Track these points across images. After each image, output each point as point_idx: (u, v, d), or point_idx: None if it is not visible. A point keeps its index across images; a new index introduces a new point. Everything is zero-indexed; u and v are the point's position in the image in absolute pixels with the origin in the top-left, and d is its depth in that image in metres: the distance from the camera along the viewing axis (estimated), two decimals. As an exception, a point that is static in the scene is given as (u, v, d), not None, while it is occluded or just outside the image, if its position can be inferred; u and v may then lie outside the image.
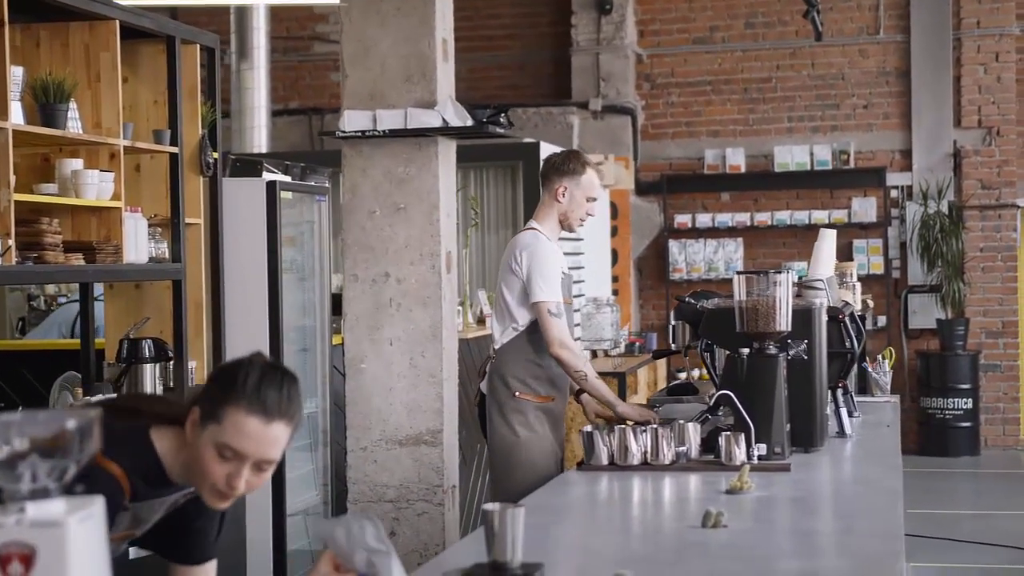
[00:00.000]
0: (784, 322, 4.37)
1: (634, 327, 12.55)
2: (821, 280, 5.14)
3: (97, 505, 1.79)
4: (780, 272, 4.40)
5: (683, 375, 12.31)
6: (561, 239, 9.01)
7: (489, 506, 2.73)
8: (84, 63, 5.14)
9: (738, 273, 4.45)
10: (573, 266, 10.05)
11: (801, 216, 12.58)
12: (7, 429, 1.74)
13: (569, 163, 5.29)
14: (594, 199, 5.32)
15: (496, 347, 5.29)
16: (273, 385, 2.59)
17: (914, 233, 12.29)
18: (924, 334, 12.57)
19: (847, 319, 5.04)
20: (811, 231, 12.45)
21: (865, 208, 12.54)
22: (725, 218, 12.76)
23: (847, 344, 5.00)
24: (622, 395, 8.93)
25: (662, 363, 11.16)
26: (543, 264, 5.12)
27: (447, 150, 6.02)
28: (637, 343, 11.07)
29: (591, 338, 9.86)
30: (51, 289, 8.54)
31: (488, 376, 5.30)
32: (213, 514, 2.85)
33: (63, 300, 8.65)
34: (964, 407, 12.13)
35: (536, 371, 5.20)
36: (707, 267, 12.74)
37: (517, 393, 5.18)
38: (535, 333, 5.16)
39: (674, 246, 12.84)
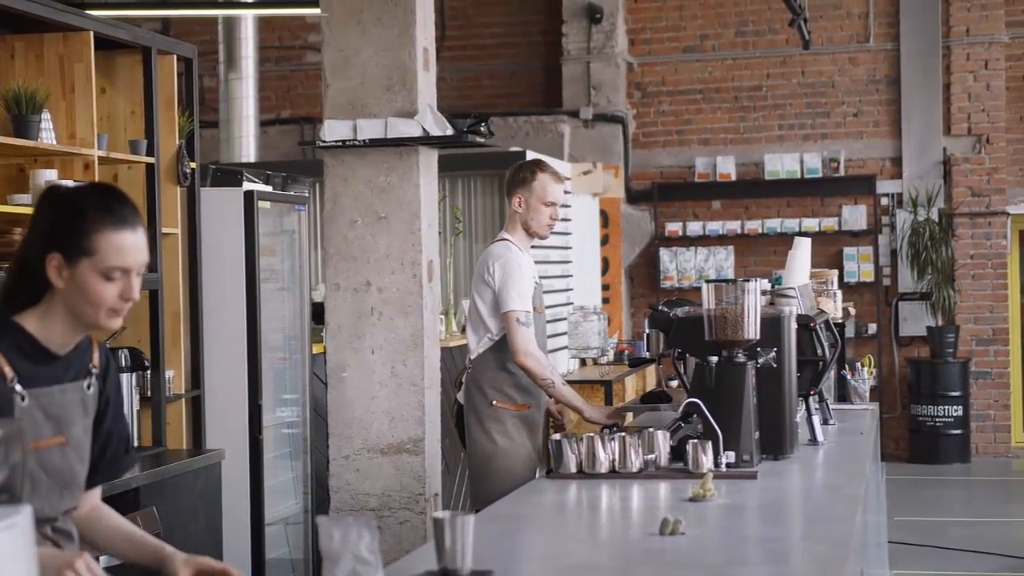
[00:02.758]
0: (752, 330, 4.38)
1: (625, 335, 12.56)
2: (793, 288, 5.15)
3: (23, 515, 1.81)
4: (749, 280, 4.41)
5: (675, 383, 12.31)
6: (546, 247, 9.08)
7: (439, 514, 2.75)
8: (59, 74, 5.17)
9: (707, 281, 4.46)
10: (562, 274, 10.10)
11: (792, 224, 12.59)
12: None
13: (519, 173, 5.42)
14: (552, 203, 5.38)
15: (472, 357, 5.36)
16: (116, 199, 2.71)
17: (904, 241, 12.31)
18: (915, 341, 12.58)
19: (820, 327, 5.05)
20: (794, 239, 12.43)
21: (855, 216, 12.55)
22: (716, 226, 12.78)
23: (819, 352, 5.01)
24: (608, 403, 8.94)
25: (651, 371, 11.17)
26: (514, 274, 5.20)
27: (428, 159, 6.04)
28: (627, 351, 11.08)
29: (577, 346, 9.89)
30: None
31: (465, 386, 5.37)
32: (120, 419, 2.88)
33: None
34: (955, 414, 12.13)
35: (512, 379, 5.27)
36: (698, 275, 12.75)
37: (494, 402, 5.27)
38: None
39: (665, 254, 12.85)
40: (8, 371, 2.62)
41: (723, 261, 12.77)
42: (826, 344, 5.04)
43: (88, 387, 2.79)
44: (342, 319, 5.70)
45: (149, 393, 5.61)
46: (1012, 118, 12.56)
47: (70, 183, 2.76)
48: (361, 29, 5.95)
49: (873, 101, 12.71)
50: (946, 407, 12.12)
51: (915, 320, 12.48)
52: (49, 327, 2.70)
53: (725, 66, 12.98)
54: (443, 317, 8.06)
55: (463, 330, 8.09)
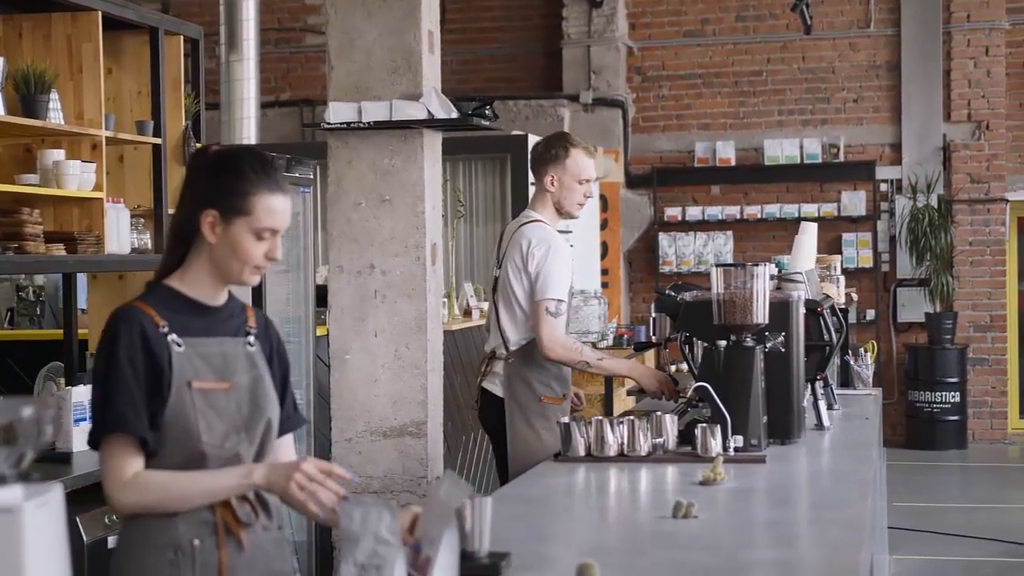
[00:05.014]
0: (761, 314, 4.38)
1: (624, 320, 12.57)
2: (800, 273, 5.15)
3: (55, 492, 1.81)
4: (758, 265, 4.41)
5: (673, 367, 12.33)
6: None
7: (457, 496, 2.75)
8: (67, 54, 5.15)
9: (716, 266, 4.46)
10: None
11: (791, 209, 12.60)
12: (-37, 416, 1.76)
13: (551, 149, 5.17)
14: (586, 180, 5.15)
15: (512, 347, 5.11)
16: (269, 164, 2.88)
17: (903, 227, 12.32)
18: (912, 327, 12.60)
19: (826, 312, 5.05)
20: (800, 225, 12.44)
21: (855, 202, 12.56)
22: (715, 211, 12.78)
23: (825, 337, 5.01)
24: (608, 387, 8.94)
25: (651, 355, 11.19)
26: (556, 262, 4.98)
27: (432, 142, 6.03)
28: (626, 336, 11.09)
29: (578, 331, 9.89)
30: (40, 279, 8.54)
31: (507, 379, 5.11)
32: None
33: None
34: (952, 401, 12.16)
35: (556, 371, 5.09)
36: (697, 260, 12.77)
37: (542, 398, 5.06)
38: None
39: (664, 239, 12.86)
40: (160, 321, 2.79)
41: (722, 246, 12.78)
42: (833, 329, 5.05)
43: (249, 345, 2.92)
44: (345, 302, 5.70)
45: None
46: (1012, 105, 12.57)
47: (218, 146, 2.95)
48: (366, 11, 5.95)
49: (873, 87, 12.71)
50: (943, 393, 12.15)
51: (913, 306, 12.50)
52: (194, 283, 2.85)
53: (725, 51, 12.97)
54: (445, 301, 8.06)
55: (465, 313, 8.09)
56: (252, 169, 2.81)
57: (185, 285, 2.85)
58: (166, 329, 2.79)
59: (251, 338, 2.92)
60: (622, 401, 9.30)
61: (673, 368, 12.17)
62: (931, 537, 8.64)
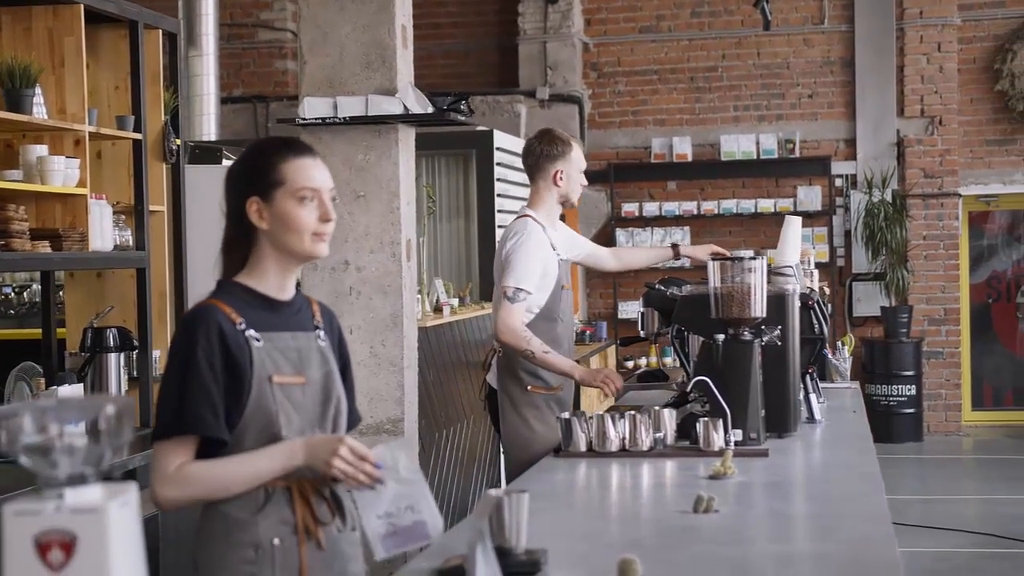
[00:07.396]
0: (759, 308, 4.39)
1: (582, 316, 12.58)
2: (790, 266, 5.16)
3: (132, 492, 1.77)
4: (755, 258, 4.42)
5: (630, 363, 12.36)
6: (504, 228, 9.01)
7: (494, 492, 2.72)
8: (48, 48, 5.06)
9: (713, 259, 4.46)
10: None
11: (747, 205, 12.66)
12: (44, 415, 1.72)
13: (556, 146, 5.23)
14: (583, 170, 5.34)
15: (501, 340, 5.09)
16: (293, 139, 2.92)
17: (859, 221, 12.41)
18: (868, 321, 12.70)
19: (816, 304, 5.07)
20: (757, 220, 12.56)
21: (810, 197, 12.64)
22: (672, 207, 12.81)
23: (816, 330, 5.03)
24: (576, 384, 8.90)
25: (612, 351, 11.21)
26: (524, 251, 5.03)
27: (407, 137, 6.00)
28: (587, 332, 11.12)
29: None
30: (22, 276, 8.43)
31: (498, 370, 5.17)
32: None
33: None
34: (908, 394, 12.27)
35: None
36: (654, 255, 12.77)
37: (529, 387, 5.10)
38: (541, 324, 5.07)
39: (621, 235, 12.87)
40: (237, 318, 2.78)
41: (679, 241, 12.79)
42: (823, 321, 5.07)
43: (319, 339, 2.90)
44: (320, 298, 5.62)
45: (136, 373, 5.52)
46: (964, 100, 12.69)
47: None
48: (339, 5, 5.90)
49: (828, 82, 12.79)
50: (899, 386, 12.25)
51: (869, 300, 12.60)
52: (262, 276, 2.85)
53: (681, 47, 13.01)
54: (418, 297, 8.01)
55: (436, 310, 8.05)
56: (272, 145, 2.86)
57: (253, 280, 2.85)
58: (243, 325, 2.78)
59: (321, 332, 2.91)
60: (587, 396, 9.29)
61: (630, 364, 12.20)
62: (898, 529, 8.70)
